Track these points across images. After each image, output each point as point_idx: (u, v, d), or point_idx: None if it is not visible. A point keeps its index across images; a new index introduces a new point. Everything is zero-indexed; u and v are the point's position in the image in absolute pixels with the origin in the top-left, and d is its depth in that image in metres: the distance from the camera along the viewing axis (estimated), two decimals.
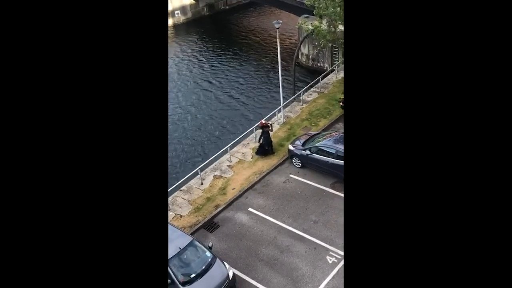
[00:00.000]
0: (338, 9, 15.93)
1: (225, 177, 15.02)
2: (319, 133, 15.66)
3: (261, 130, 15.82)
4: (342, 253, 11.43)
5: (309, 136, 15.35)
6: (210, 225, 13.05)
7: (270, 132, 15.99)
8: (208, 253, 10.76)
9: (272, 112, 18.35)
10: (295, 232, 12.34)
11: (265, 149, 15.75)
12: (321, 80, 20.45)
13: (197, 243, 10.95)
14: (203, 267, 10.38)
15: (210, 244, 11.20)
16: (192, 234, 12.36)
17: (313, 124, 17.45)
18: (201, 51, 31.26)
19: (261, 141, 15.66)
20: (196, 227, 12.96)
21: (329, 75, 21.65)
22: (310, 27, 17.96)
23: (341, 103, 17.01)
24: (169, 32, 34.38)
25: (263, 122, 15.95)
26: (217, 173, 15.29)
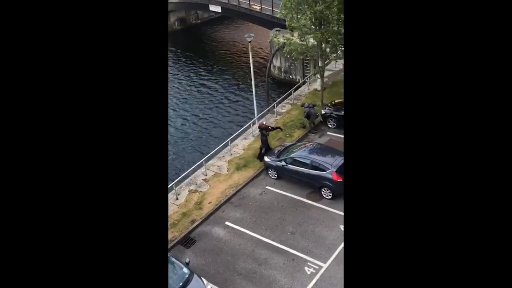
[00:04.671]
0: (309, 22, 16.26)
1: (201, 191, 14.85)
2: (293, 144, 15.77)
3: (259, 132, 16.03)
4: (320, 263, 11.45)
5: (284, 147, 15.44)
6: (187, 241, 12.84)
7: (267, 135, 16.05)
8: (185, 269, 10.55)
9: (247, 124, 18.39)
10: (272, 244, 12.28)
11: (262, 152, 15.84)
12: (294, 92, 20.68)
13: (173, 259, 10.74)
14: (181, 284, 10.16)
15: (187, 260, 10.99)
16: (168, 250, 12.11)
17: (287, 135, 17.57)
18: (174, 65, 31.09)
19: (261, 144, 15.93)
20: (173, 243, 12.71)
21: (302, 87, 21.94)
22: (281, 40, 18.22)
23: (304, 108, 17.37)
24: None
25: (264, 123, 16.18)
26: (193, 187, 15.11)
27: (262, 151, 15.87)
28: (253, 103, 18.27)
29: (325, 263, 11.45)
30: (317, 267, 11.36)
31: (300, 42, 17.14)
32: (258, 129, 16.42)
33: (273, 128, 16.56)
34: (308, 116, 17.28)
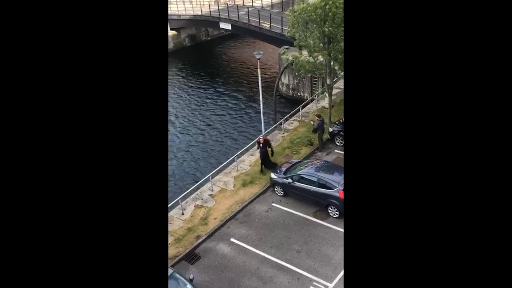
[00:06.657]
0: (317, 40, 16.39)
1: (207, 207, 14.79)
2: (300, 161, 15.71)
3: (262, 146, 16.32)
4: (326, 283, 11.26)
5: (290, 164, 15.38)
6: (191, 257, 12.73)
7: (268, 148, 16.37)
8: (189, 286, 10.43)
9: (254, 141, 18.40)
10: (278, 263, 12.13)
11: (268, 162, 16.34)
12: (302, 109, 20.73)
13: (177, 275, 10.62)
14: None
15: (191, 276, 10.87)
16: (172, 266, 12.00)
17: (294, 152, 17.54)
18: (183, 81, 31.44)
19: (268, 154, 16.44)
20: (177, 258, 12.60)
21: (309, 104, 21.99)
22: (290, 57, 18.36)
23: (318, 120, 17.08)
24: None
25: (261, 138, 16.48)
26: (199, 202, 15.06)
27: (262, 163, 16.36)
28: (261, 119, 18.31)
29: (331, 282, 11.25)
30: (323, 287, 11.17)
31: (308, 60, 17.25)
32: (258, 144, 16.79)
33: (259, 146, 16.48)
34: (317, 129, 17.07)
